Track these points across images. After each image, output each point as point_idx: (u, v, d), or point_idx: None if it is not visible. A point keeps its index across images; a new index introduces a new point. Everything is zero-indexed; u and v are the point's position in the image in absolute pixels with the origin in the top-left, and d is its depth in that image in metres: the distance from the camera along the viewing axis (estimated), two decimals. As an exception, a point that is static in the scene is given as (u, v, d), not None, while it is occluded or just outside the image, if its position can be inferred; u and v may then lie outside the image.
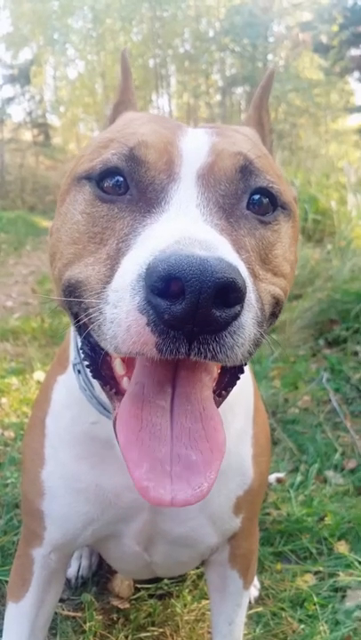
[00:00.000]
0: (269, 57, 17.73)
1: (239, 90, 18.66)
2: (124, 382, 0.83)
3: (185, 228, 0.71)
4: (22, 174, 18.40)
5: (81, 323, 0.82)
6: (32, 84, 22.43)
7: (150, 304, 0.66)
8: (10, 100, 22.79)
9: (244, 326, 0.69)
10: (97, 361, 0.85)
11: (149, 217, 0.79)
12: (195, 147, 0.87)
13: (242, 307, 0.68)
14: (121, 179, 0.84)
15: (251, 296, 0.72)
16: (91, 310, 0.77)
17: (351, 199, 5.91)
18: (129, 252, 0.75)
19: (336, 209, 5.88)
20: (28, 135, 23.22)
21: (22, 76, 22.14)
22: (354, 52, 17.15)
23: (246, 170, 0.86)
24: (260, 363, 3.61)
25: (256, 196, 0.87)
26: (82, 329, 0.82)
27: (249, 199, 0.86)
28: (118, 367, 0.84)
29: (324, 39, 16.18)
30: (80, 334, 0.86)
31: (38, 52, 21.61)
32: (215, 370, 0.84)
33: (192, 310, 0.64)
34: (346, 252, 4.98)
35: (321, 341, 3.99)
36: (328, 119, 16.41)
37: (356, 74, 17.62)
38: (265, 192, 0.88)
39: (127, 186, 0.84)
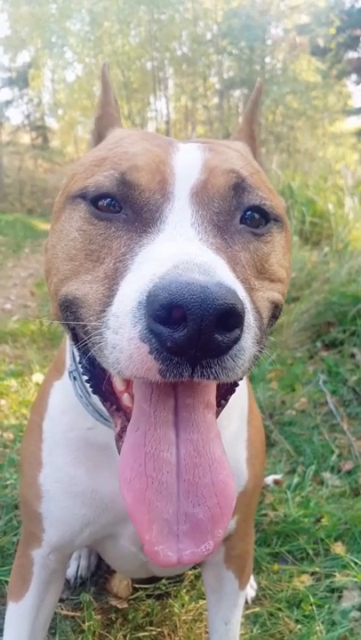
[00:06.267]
0: (267, 60, 17.72)
1: (237, 92, 18.64)
2: (125, 398, 0.83)
3: (182, 251, 0.72)
4: (21, 177, 18.40)
5: (80, 341, 0.82)
6: (30, 87, 22.46)
7: (152, 332, 0.66)
8: (8, 103, 22.80)
9: (244, 348, 0.70)
10: (97, 376, 0.85)
11: (146, 237, 0.79)
12: (187, 164, 0.88)
13: (242, 330, 0.69)
14: (115, 200, 0.85)
15: (249, 317, 0.73)
16: (92, 332, 0.77)
17: (348, 202, 5.94)
18: (127, 274, 0.75)
19: (333, 211, 5.89)
20: (26, 138, 23.23)
21: (20, 79, 22.16)
22: (351, 54, 17.19)
23: (239, 187, 0.87)
24: (258, 365, 3.62)
25: (249, 213, 0.88)
26: (80, 344, 0.82)
27: (242, 215, 0.88)
28: (118, 383, 0.84)
29: (321, 42, 16.17)
30: (78, 349, 0.86)
31: (36, 54, 21.61)
32: (213, 398, 0.82)
33: (195, 337, 0.64)
34: (343, 254, 5.00)
35: (318, 344, 4.01)
36: (326, 122, 16.42)
37: (353, 76, 17.65)
38: (257, 209, 0.89)
39: (121, 205, 0.85)
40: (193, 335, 0.64)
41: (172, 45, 19.21)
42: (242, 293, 0.74)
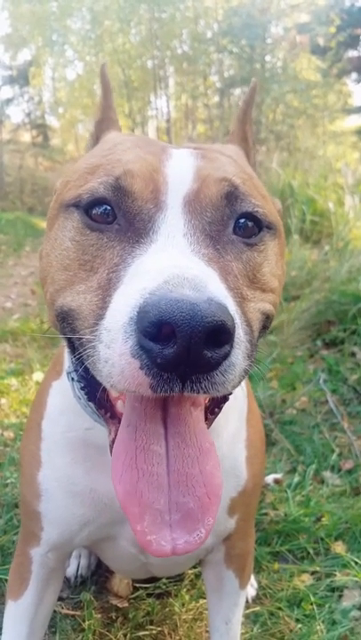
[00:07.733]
0: (267, 58, 17.70)
1: (237, 91, 18.61)
2: (119, 405, 0.84)
3: (174, 264, 0.72)
4: (21, 175, 18.41)
5: (76, 352, 0.82)
6: (31, 86, 22.47)
7: (143, 348, 0.67)
8: (9, 102, 22.85)
9: (234, 364, 0.71)
10: (92, 384, 0.86)
11: (138, 247, 0.79)
12: (180, 172, 0.87)
13: (231, 346, 0.69)
14: (109, 207, 0.84)
15: (240, 332, 0.74)
16: (86, 345, 0.77)
17: (349, 200, 5.93)
18: (120, 286, 0.76)
19: (334, 210, 5.89)
20: (26, 136, 23.25)
21: (21, 77, 22.20)
22: (351, 53, 17.19)
23: (232, 196, 0.87)
24: (258, 364, 3.61)
25: (241, 220, 0.88)
26: (75, 352, 0.83)
27: (235, 223, 0.87)
28: (113, 390, 0.84)
29: (321, 41, 16.18)
30: (75, 358, 0.86)
31: (37, 53, 21.61)
32: (201, 398, 0.84)
33: (184, 353, 0.65)
34: (343, 253, 5.00)
35: (318, 342, 4.00)
36: (326, 120, 16.42)
37: (353, 75, 17.65)
38: (250, 216, 0.89)
39: (115, 214, 0.84)
40: (182, 352, 0.65)
41: (172, 44, 19.20)
42: (233, 308, 0.74)
